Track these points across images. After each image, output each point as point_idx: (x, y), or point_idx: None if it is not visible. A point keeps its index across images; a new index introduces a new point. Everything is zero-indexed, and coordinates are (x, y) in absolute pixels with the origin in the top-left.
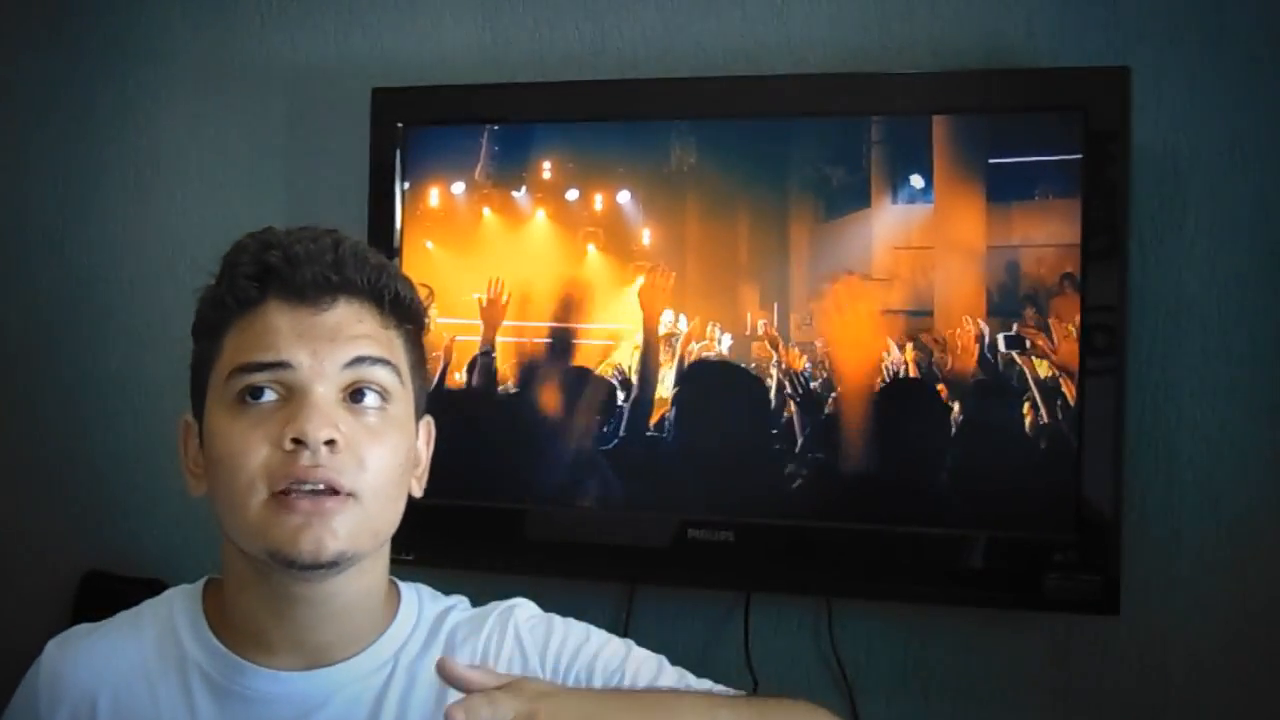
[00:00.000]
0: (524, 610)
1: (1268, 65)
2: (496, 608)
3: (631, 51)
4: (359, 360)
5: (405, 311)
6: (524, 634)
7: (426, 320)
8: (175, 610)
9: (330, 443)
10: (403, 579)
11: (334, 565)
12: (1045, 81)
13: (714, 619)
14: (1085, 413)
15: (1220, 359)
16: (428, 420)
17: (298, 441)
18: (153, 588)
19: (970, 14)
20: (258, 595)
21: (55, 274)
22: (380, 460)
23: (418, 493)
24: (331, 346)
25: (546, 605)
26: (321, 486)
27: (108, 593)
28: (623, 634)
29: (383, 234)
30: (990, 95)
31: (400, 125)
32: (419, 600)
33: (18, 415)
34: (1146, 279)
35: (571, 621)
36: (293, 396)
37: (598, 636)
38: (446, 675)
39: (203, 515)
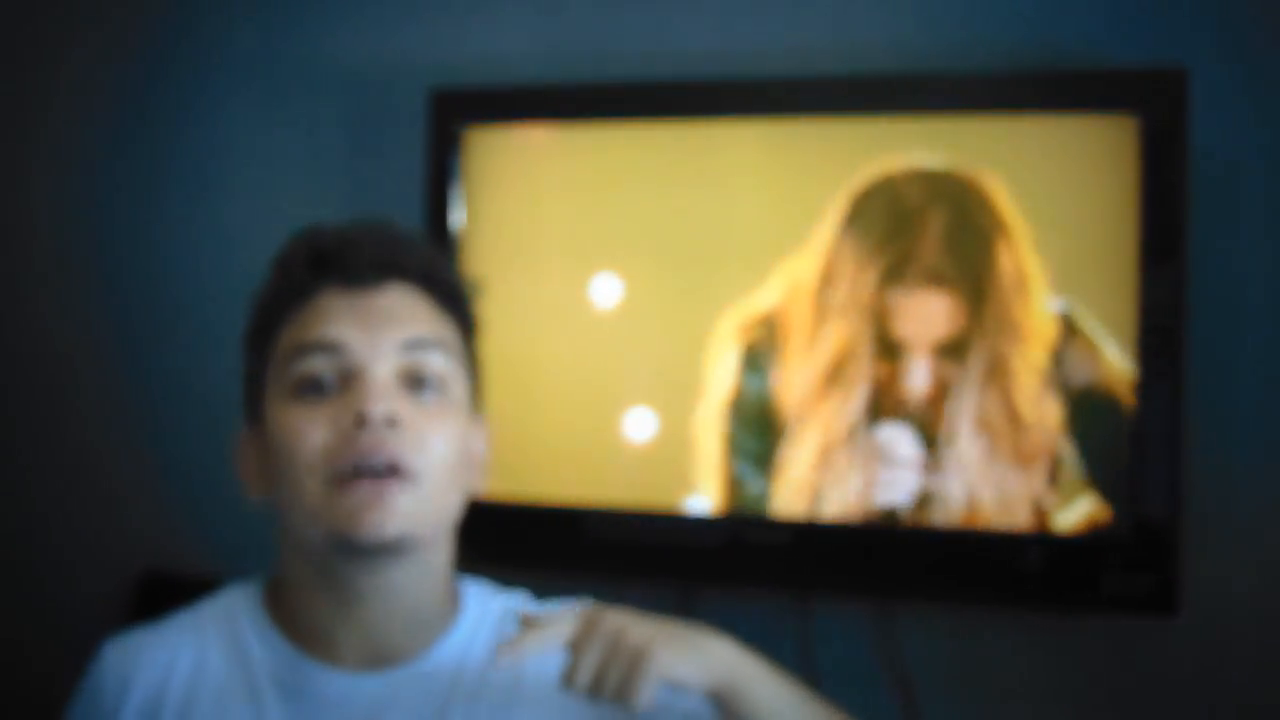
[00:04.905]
0: None
1: None
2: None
3: (693, 49)
4: (415, 344)
5: (457, 301)
6: None
7: (477, 315)
8: (236, 610)
9: (391, 420)
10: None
11: (394, 547)
12: (1101, 83)
13: (772, 622)
14: (1144, 413)
15: None
16: (482, 418)
17: (360, 420)
18: (212, 586)
19: (1024, 14)
20: (321, 593)
21: (113, 275)
22: (441, 443)
23: (482, 490)
24: (387, 327)
25: None
26: (383, 466)
27: (166, 591)
28: None
29: (441, 238)
30: (1045, 97)
31: (458, 127)
32: (481, 596)
33: (77, 414)
34: (1205, 282)
35: None
36: (351, 381)
37: None
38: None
39: (262, 513)
